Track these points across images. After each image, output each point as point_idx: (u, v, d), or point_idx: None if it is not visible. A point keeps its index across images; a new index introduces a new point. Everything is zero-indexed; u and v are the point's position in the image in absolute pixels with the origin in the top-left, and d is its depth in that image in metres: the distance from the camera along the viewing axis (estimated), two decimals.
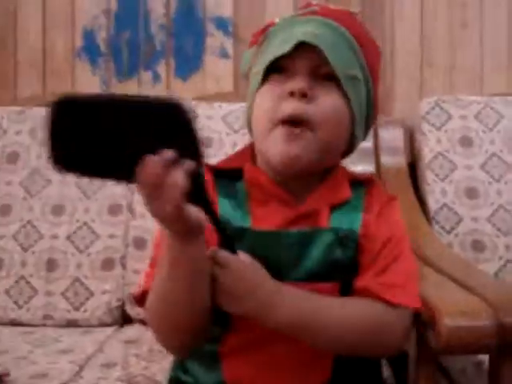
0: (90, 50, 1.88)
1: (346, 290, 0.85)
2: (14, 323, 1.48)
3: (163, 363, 1.21)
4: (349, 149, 0.91)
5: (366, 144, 1.69)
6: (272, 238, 0.84)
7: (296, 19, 0.87)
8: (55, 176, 1.59)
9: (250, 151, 0.93)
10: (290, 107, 0.82)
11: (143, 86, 1.87)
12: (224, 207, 0.87)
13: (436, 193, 1.61)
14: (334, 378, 0.86)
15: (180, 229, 0.71)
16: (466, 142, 1.66)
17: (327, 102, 0.83)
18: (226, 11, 1.87)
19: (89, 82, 1.87)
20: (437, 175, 1.63)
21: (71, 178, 1.58)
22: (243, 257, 0.78)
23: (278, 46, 0.84)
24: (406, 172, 1.68)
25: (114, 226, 1.54)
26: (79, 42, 1.89)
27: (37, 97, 1.84)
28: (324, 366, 0.86)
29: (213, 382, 0.86)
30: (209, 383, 0.87)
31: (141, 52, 1.88)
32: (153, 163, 0.65)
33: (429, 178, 1.63)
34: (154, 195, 0.67)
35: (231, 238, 0.78)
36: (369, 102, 0.89)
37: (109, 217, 1.55)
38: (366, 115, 0.89)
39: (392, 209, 0.90)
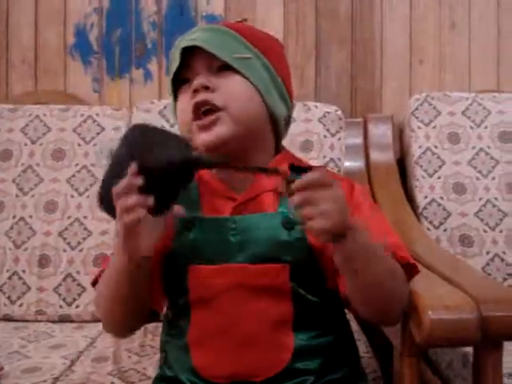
0: (82, 47, 1.90)
1: (297, 272, 0.88)
2: (7, 319, 1.50)
3: (154, 358, 1.22)
4: (276, 127, 0.97)
5: (356, 140, 1.72)
6: (220, 224, 0.90)
7: (184, 36, 0.96)
8: (47, 173, 1.61)
9: None
10: (195, 100, 0.90)
11: (135, 84, 1.88)
12: (180, 201, 0.91)
13: (424, 188, 1.63)
14: (296, 356, 0.88)
15: (129, 244, 0.81)
16: (454, 137, 1.68)
17: (228, 84, 0.91)
18: (217, 9, 1.89)
19: (81, 80, 1.89)
20: (425, 171, 1.65)
21: (63, 175, 1.60)
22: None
23: (173, 62, 0.93)
24: (394, 168, 1.70)
25: (106, 222, 1.56)
26: (71, 40, 1.90)
27: (29, 94, 1.85)
28: (286, 344, 0.88)
29: (186, 369, 0.90)
30: (184, 372, 0.91)
31: (132, 50, 1.89)
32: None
33: (417, 173, 1.65)
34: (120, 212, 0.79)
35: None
36: (272, 77, 0.95)
37: (101, 213, 1.55)
38: (277, 90, 0.95)
39: (355, 193, 0.94)
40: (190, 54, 0.92)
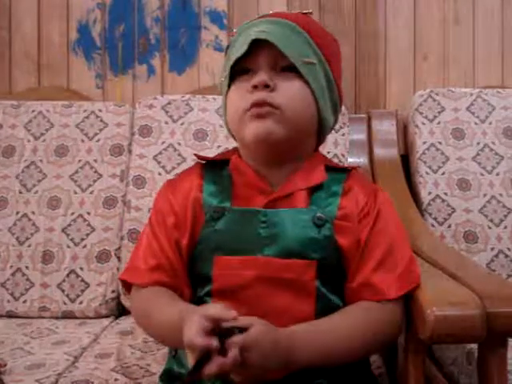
0: (85, 43, 1.89)
1: (323, 269, 0.89)
2: (11, 315, 1.50)
3: (158, 354, 1.22)
4: (321, 133, 0.99)
5: (360, 136, 1.71)
6: (249, 216, 0.91)
7: (251, 24, 0.96)
8: (51, 169, 1.61)
9: (236, 150, 1.01)
10: (255, 97, 0.90)
11: (138, 79, 1.88)
12: (208, 191, 0.95)
13: (429, 184, 1.63)
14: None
15: None
16: (459, 133, 1.68)
17: (288, 87, 0.91)
18: (221, 4, 1.88)
19: (84, 76, 1.88)
20: (429, 167, 1.64)
21: (66, 172, 1.60)
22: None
23: (238, 49, 0.92)
24: (398, 164, 1.69)
25: (109, 218, 1.56)
26: (74, 36, 1.90)
27: (32, 90, 1.84)
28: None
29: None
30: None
31: (136, 45, 1.88)
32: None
33: (421, 169, 1.64)
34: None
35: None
36: (329, 85, 0.96)
37: (104, 210, 1.56)
38: (331, 97, 0.97)
39: (376, 198, 0.95)
40: (255, 44, 0.90)
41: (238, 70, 0.93)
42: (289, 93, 0.91)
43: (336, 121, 1.01)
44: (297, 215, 0.90)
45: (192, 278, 0.94)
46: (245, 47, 0.90)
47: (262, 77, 0.90)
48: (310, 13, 1.00)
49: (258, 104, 0.89)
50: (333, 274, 0.90)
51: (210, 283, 0.90)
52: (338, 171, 0.98)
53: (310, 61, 0.93)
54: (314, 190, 0.94)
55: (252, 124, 0.90)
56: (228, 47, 0.98)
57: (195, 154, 1.03)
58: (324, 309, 0.89)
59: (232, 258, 0.89)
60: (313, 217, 0.90)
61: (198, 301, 0.92)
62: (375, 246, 0.91)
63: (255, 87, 0.89)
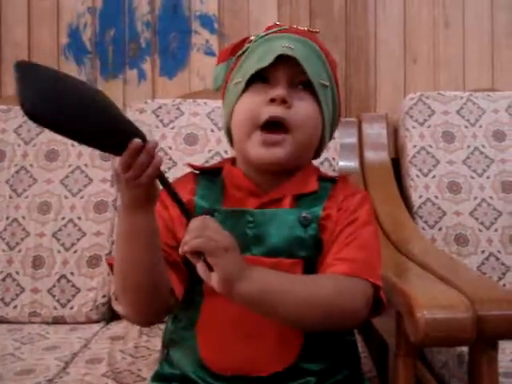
0: (76, 47, 1.89)
1: (310, 268, 0.90)
2: (1, 320, 1.49)
3: (149, 359, 1.22)
4: (318, 150, 1.01)
5: (350, 140, 1.72)
6: (238, 216, 0.92)
7: (271, 36, 0.96)
8: (41, 174, 1.60)
9: (230, 160, 1.02)
10: (271, 111, 0.90)
11: (129, 83, 1.87)
12: (200, 194, 0.96)
13: (419, 188, 1.63)
14: (304, 353, 0.89)
15: (141, 196, 0.81)
16: (449, 137, 1.68)
17: (303, 108, 0.92)
18: (211, 9, 1.88)
19: None
20: (420, 170, 1.65)
21: (57, 177, 1.59)
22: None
23: (260, 59, 0.92)
24: (389, 167, 1.69)
25: (100, 223, 1.55)
26: (64, 40, 1.89)
27: None
28: (294, 340, 0.89)
29: (192, 361, 0.91)
30: (189, 364, 0.92)
31: (126, 50, 1.88)
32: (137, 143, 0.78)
33: (412, 173, 1.65)
34: (135, 166, 0.78)
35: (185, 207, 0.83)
36: (334, 107, 0.99)
37: (94, 214, 1.56)
38: (333, 119, 1.00)
39: (354, 198, 0.95)
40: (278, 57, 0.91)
41: (254, 77, 0.93)
42: (304, 112, 0.92)
43: (331, 138, 1.03)
44: (283, 215, 0.92)
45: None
46: (270, 58, 0.90)
47: (281, 91, 0.90)
48: (317, 32, 1.02)
49: (274, 120, 0.90)
50: (315, 269, 0.91)
51: (201, 283, 0.88)
52: (327, 180, 0.99)
53: (325, 83, 0.95)
54: (301, 196, 0.95)
55: (261, 149, 0.91)
56: (243, 53, 0.98)
57: (189, 164, 1.04)
58: None
59: None
60: (299, 216, 0.91)
61: (188, 301, 0.92)
62: (345, 237, 0.91)
63: (273, 100, 0.90)
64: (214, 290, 0.88)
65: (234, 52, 0.99)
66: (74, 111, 0.74)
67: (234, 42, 1.01)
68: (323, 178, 0.99)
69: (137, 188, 0.79)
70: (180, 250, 0.80)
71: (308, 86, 0.93)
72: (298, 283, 0.85)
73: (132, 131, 0.79)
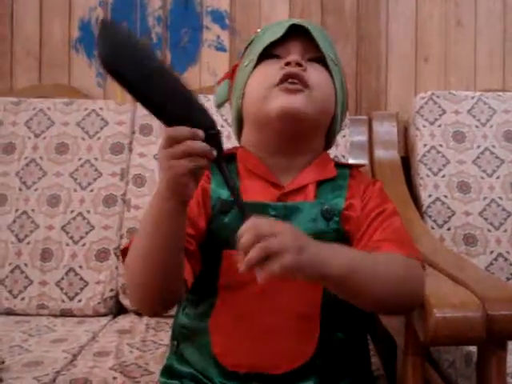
0: (87, 41, 1.89)
1: None
2: (9, 312, 1.50)
3: (156, 353, 1.22)
4: (330, 132, 1.00)
5: (361, 138, 1.71)
6: (258, 210, 0.86)
7: (278, 21, 0.98)
8: (51, 167, 1.60)
9: (240, 147, 1.00)
10: (288, 70, 0.90)
11: None
12: (216, 181, 0.93)
13: (429, 187, 1.63)
14: (319, 351, 0.88)
15: (182, 190, 0.75)
16: (459, 136, 1.68)
17: (317, 74, 0.93)
18: (223, 4, 1.88)
19: (85, 74, 1.88)
20: (430, 169, 1.64)
21: (66, 170, 1.60)
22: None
23: (271, 34, 0.93)
24: (399, 166, 1.69)
25: (109, 217, 1.56)
26: (76, 33, 1.89)
27: (33, 87, 1.84)
28: (310, 338, 0.88)
29: (203, 355, 0.89)
30: (201, 360, 0.90)
31: None
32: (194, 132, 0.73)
33: (422, 172, 1.64)
34: (182, 155, 0.72)
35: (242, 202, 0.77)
36: (343, 88, 0.99)
37: (103, 208, 1.56)
38: (343, 100, 0.99)
39: (375, 187, 0.96)
40: (287, 34, 0.93)
41: (265, 55, 0.94)
42: (319, 77, 0.93)
43: (341, 126, 1.03)
44: (306, 208, 0.90)
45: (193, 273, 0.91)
46: (281, 31, 0.92)
47: (294, 56, 0.91)
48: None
49: (290, 76, 0.90)
50: None
51: (216, 278, 0.88)
52: (344, 168, 0.99)
53: (336, 60, 0.97)
54: (320, 184, 0.94)
55: (281, 97, 0.90)
56: (249, 44, 1.00)
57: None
58: (331, 301, 0.87)
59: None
60: (321, 210, 0.90)
61: (200, 295, 0.90)
62: (380, 223, 0.91)
63: (288, 64, 0.90)
64: (229, 286, 0.87)
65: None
66: (149, 72, 0.72)
67: (237, 63, 1.02)
68: (339, 165, 0.99)
69: (175, 175, 0.74)
70: (242, 267, 0.72)
71: (319, 61, 0.94)
72: (378, 261, 0.82)
73: (201, 110, 0.77)
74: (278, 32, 0.92)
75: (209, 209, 0.91)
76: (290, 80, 0.89)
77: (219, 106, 1.02)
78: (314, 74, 0.92)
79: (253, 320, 0.87)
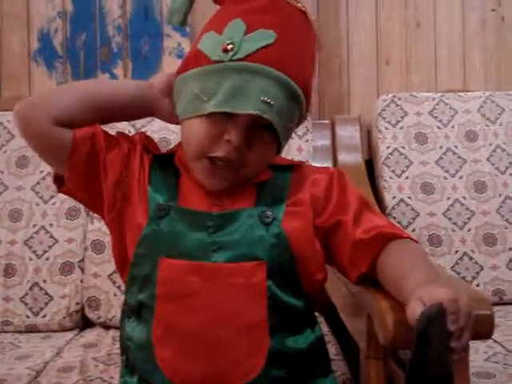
0: (47, 52, 1.87)
1: (274, 270, 0.86)
2: None
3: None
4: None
5: (324, 142, 1.72)
6: (196, 218, 0.88)
7: (248, 64, 0.86)
8: (12, 181, 1.58)
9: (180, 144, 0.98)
10: (224, 151, 0.87)
11: None
12: (155, 185, 0.92)
13: (393, 189, 1.64)
14: (268, 363, 0.86)
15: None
16: (422, 138, 1.69)
17: (260, 151, 0.89)
18: None
19: (45, 85, 1.86)
20: (393, 171, 1.65)
21: (27, 183, 1.58)
22: None
23: (232, 97, 0.85)
24: (363, 169, 1.69)
25: (72, 229, 1.54)
26: (35, 45, 1.87)
27: None
28: (261, 349, 0.86)
29: (150, 370, 0.86)
30: (147, 373, 0.87)
31: (98, 54, 1.87)
32: None
33: (385, 174, 1.65)
34: None
35: None
36: (301, 118, 0.94)
37: (66, 221, 1.55)
38: (296, 126, 0.96)
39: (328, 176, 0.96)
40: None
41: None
42: (259, 155, 0.89)
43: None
44: (244, 215, 0.88)
45: (130, 279, 0.90)
46: (242, 109, 0.84)
47: (237, 141, 0.85)
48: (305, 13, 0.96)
49: (223, 160, 0.87)
50: (286, 273, 0.88)
51: (154, 286, 0.86)
52: (284, 168, 0.96)
53: (292, 125, 0.93)
54: (259, 188, 0.92)
55: (205, 178, 0.89)
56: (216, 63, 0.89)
57: (145, 145, 0.97)
58: (277, 309, 0.86)
59: (178, 261, 0.86)
60: (260, 215, 0.88)
61: (138, 305, 0.88)
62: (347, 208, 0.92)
63: (228, 141, 0.86)
64: (168, 296, 0.85)
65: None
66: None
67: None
68: (278, 167, 0.95)
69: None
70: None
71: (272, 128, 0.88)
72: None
73: None
74: (238, 106, 0.84)
75: (146, 208, 0.89)
76: (219, 164, 0.87)
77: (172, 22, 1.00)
78: (255, 151, 0.88)
79: (198, 332, 0.84)
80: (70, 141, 0.88)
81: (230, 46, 0.87)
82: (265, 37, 0.87)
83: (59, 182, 0.94)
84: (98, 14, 1.87)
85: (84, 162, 0.90)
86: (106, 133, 0.92)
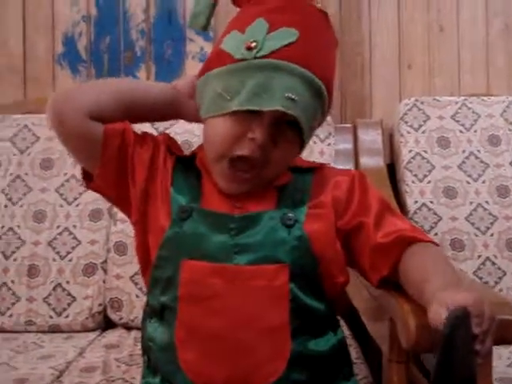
0: (71, 55, 1.89)
1: (296, 272, 0.86)
2: None
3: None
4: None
5: (346, 145, 1.72)
6: (218, 220, 0.88)
7: (272, 61, 0.86)
8: (36, 183, 1.60)
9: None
10: (249, 149, 0.86)
11: None
12: (178, 186, 0.92)
13: (415, 193, 1.63)
14: (290, 366, 0.86)
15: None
16: (444, 142, 1.68)
17: (284, 149, 0.89)
18: None
19: None
20: (415, 176, 1.65)
21: (52, 185, 1.59)
22: None
23: (255, 95, 0.85)
24: (384, 173, 1.69)
25: (95, 231, 1.55)
26: (60, 48, 1.89)
27: (17, 103, 1.84)
28: (283, 352, 0.86)
29: (172, 371, 0.86)
30: (169, 374, 0.87)
31: (121, 58, 1.89)
32: None
33: (407, 178, 1.65)
34: None
35: None
36: (323, 115, 0.95)
37: (90, 222, 1.56)
38: (319, 123, 0.96)
39: (350, 177, 0.96)
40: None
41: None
42: (282, 155, 0.89)
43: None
44: (266, 218, 0.88)
45: (153, 281, 0.90)
46: (267, 106, 0.84)
47: (262, 139, 0.85)
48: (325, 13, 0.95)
49: (244, 160, 0.87)
50: (308, 276, 0.88)
51: (176, 288, 0.86)
52: (305, 171, 0.96)
53: (315, 123, 0.93)
54: (281, 191, 0.92)
55: (227, 183, 0.89)
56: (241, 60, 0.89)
57: (168, 146, 0.98)
58: (299, 312, 0.86)
59: (201, 263, 0.86)
60: (282, 217, 0.88)
61: (161, 307, 0.88)
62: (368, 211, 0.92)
63: (252, 139, 0.86)
64: (191, 298, 0.86)
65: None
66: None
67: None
68: (298, 169, 0.95)
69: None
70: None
71: (296, 126, 0.88)
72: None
73: None
74: (263, 103, 0.84)
75: (169, 209, 0.90)
76: (240, 166, 0.87)
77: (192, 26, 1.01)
78: (279, 149, 0.88)
79: (220, 335, 0.85)
80: (101, 134, 0.89)
81: (253, 44, 0.87)
82: (288, 35, 0.88)
83: (87, 177, 0.94)
84: (122, 18, 1.88)
85: (115, 158, 0.91)
86: (134, 131, 0.93)
